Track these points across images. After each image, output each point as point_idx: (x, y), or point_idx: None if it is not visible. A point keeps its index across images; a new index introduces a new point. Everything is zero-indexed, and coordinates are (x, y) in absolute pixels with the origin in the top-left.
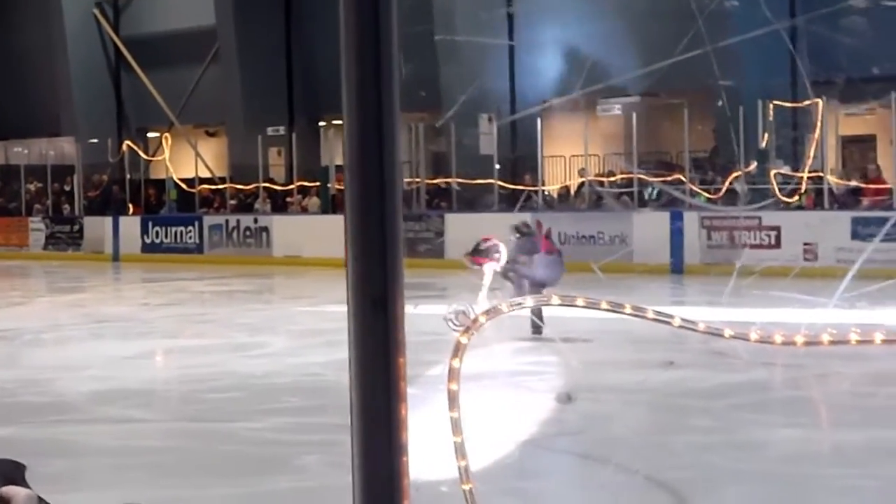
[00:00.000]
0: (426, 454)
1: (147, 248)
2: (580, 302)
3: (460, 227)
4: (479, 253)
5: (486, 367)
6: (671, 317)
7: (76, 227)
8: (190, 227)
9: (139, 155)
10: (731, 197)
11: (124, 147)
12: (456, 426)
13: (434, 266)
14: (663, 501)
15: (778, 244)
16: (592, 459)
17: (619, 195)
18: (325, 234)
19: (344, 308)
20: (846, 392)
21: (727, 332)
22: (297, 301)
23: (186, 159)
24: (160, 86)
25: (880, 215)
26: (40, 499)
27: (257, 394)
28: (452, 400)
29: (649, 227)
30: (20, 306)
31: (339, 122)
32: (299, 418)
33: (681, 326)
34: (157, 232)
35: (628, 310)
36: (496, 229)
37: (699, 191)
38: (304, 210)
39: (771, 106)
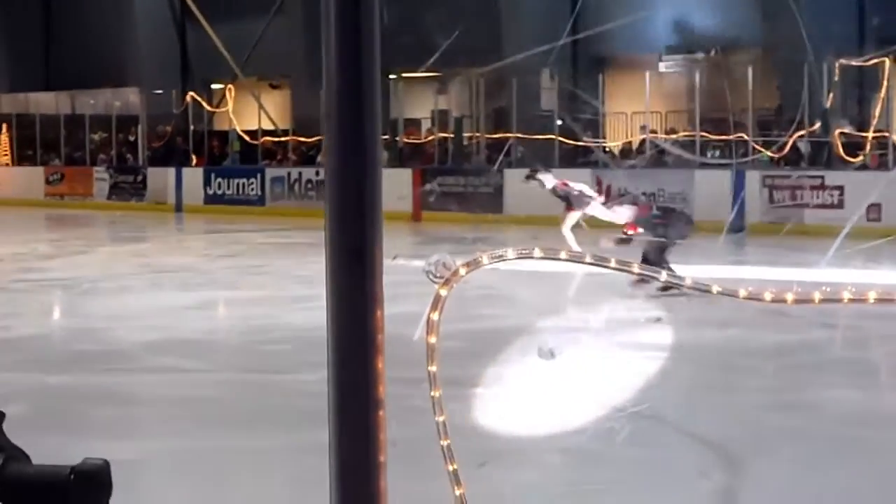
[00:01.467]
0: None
1: (209, 200)
2: (563, 255)
3: (520, 183)
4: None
5: (531, 322)
6: (658, 272)
7: (139, 178)
8: (252, 179)
9: (203, 106)
10: (794, 156)
11: (188, 98)
12: (434, 380)
13: (493, 221)
14: (718, 461)
15: (841, 204)
16: (647, 417)
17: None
18: (392, 187)
19: (407, 262)
20: None
21: (714, 289)
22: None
23: (250, 111)
24: (224, 37)
25: None
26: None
27: (311, 346)
28: (431, 354)
29: (710, 186)
30: (82, 255)
31: (410, 74)
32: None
33: (667, 281)
34: (219, 183)
35: (613, 264)
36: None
37: (762, 149)
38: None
39: (837, 64)
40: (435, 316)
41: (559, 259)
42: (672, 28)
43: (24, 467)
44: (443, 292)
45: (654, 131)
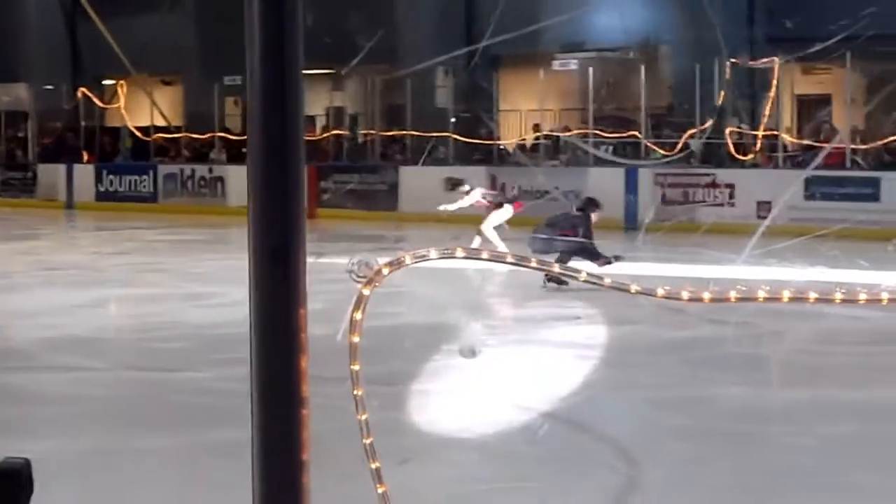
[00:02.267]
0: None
1: (101, 197)
2: (485, 255)
3: (414, 179)
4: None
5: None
6: (578, 272)
7: (30, 174)
8: (144, 176)
9: (94, 102)
10: (686, 154)
11: (79, 94)
12: (357, 379)
13: (388, 218)
14: (608, 457)
15: (732, 202)
16: (536, 412)
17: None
18: None
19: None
20: (795, 350)
21: (633, 288)
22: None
23: (142, 108)
24: (116, 33)
25: (833, 174)
26: None
27: (208, 344)
28: (353, 353)
29: (604, 183)
30: None
31: (304, 71)
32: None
33: (585, 281)
34: (111, 180)
35: (534, 264)
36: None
37: (654, 148)
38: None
39: (728, 64)
40: (358, 315)
41: (481, 259)
42: (566, 27)
43: None
44: (366, 292)
45: (551, 131)
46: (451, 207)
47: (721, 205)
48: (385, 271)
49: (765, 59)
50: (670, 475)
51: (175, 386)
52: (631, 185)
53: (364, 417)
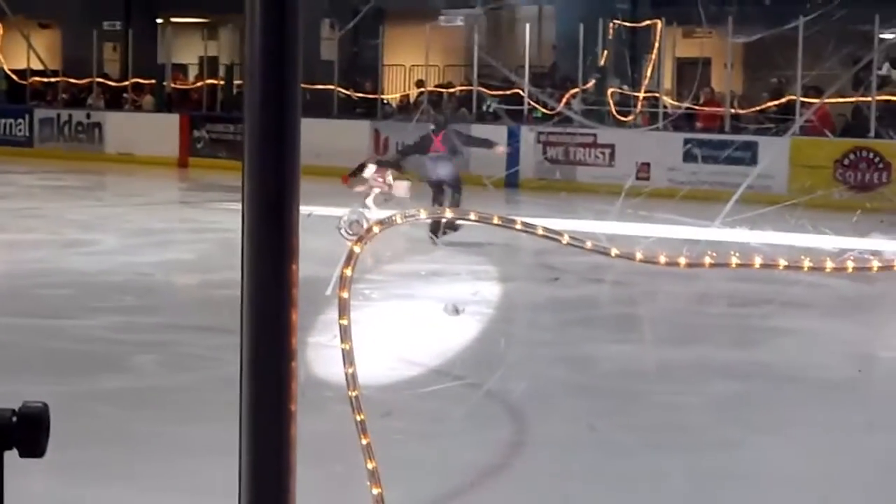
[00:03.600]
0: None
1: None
2: (472, 216)
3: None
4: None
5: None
6: (560, 234)
7: None
8: (20, 120)
9: None
10: (567, 113)
11: None
12: (345, 333)
13: None
14: (496, 413)
15: (612, 163)
16: (422, 367)
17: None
18: (159, 132)
19: (175, 209)
20: (674, 310)
21: (613, 252)
22: (128, 199)
23: (18, 50)
24: None
25: (712, 138)
26: None
27: (88, 292)
28: (342, 308)
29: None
30: None
31: (179, 20)
32: (131, 317)
33: (569, 244)
34: None
35: (518, 226)
36: (336, 135)
37: (536, 106)
38: (138, 108)
39: (611, 25)
40: (348, 272)
41: (468, 220)
42: None
43: None
44: (356, 249)
45: (436, 86)
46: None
47: (601, 165)
48: (376, 229)
49: (647, 21)
50: (554, 433)
51: (55, 333)
52: (513, 144)
53: (351, 371)
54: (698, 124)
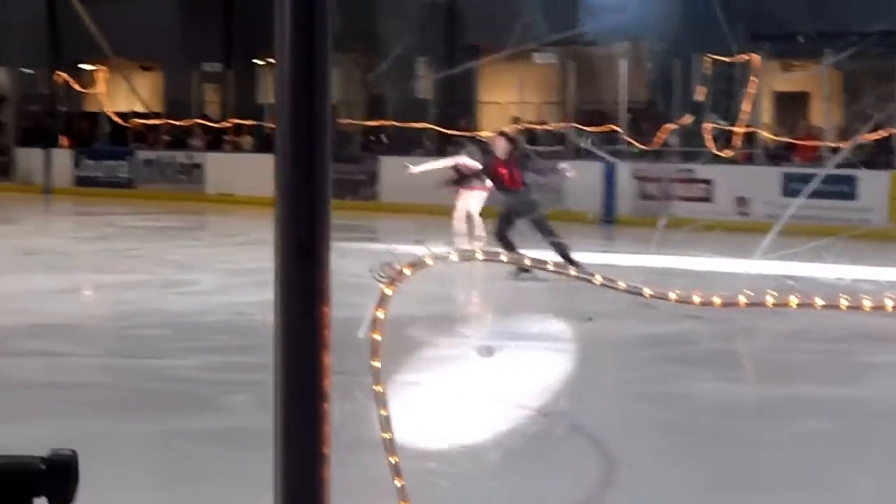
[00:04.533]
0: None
1: (79, 182)
2: (503, 258)
3: (394, 170)
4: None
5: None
6: (592, 275)
7: (7, 158)
8: (122, 162)
9: (73, 87)
10: (665, 149)
11: (58, 79)
12: (377, 375)
13: (367, 209)
14: (585, 450)
15: (710, 198)
16: (512, 406)
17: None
18: (258, 172)
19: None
20: (769, 347)
21: (646, 292)
22: (227, 239)
23: (121, 93)
24: (96, 18)
25: (811, 171)
26: None
27: (185, 331)
28: (375, 349)
29: (581, 176)
30: None
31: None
32: (226, 357)
33: (602, 285)
34: (89, 165)
35: (550, 266)
36: (432, 173)
37: (633, 142)
38: (238, 148)
39: (707, 60)
40: (380, 314)
41: (500, 261)
42: (548, 19)
43: None
44: (388, 292)
45: (530, 123)
46: (416, 170)
47: (699, 200)
48: (407, 272)
49: (744, 56)
50: (646, 470)
51: (153, 373)
52: (609, 180)
53: (385, 413)
54: (796, 158)
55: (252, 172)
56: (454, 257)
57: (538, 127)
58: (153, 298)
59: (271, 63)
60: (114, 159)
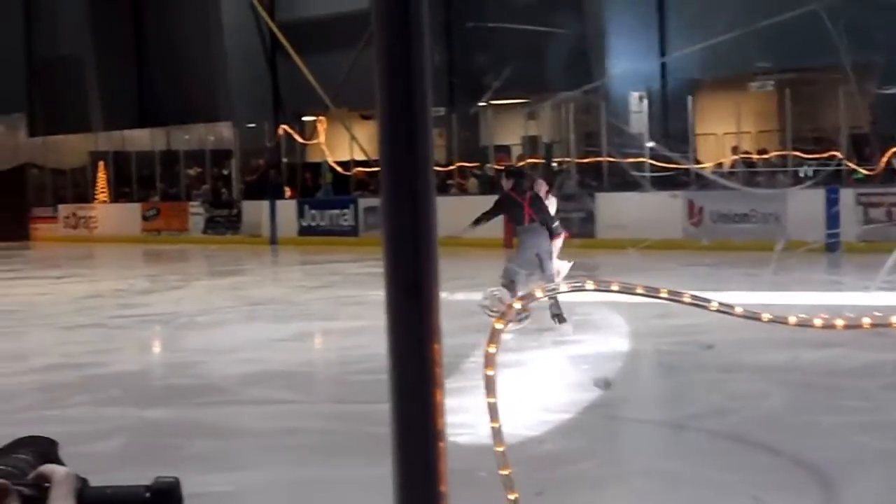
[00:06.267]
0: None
1: (303, 231)
2: (615, 287)
3: (611, 207)
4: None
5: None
6: (708, 301)
7: (234, 211)
8: (345, 210)
9: (295, 139)
10: (889, 173)
11: (280, 131)
12: (493, 412)
13: (585, 246)
14: (809, 482)
15: None
16: (737, 440)
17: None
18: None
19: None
20: None
21: (764, 317)
22: (453, 283)
23: (341, 142)
24: (315, 70)
25: None
26: (78, 477)
27: None
28: (490, 386)
29: (803, 205)
30: (178, 290)
31: (499, 101)
32: (451, 401)
33: (718, 310)
34: (313, 215)
35: (664, 294)
36: (647, 209)
37: (856, 168)
38: (464, 191)
39: None
40: (492, 349)
41: (612, 291)
42: (762, 47)
43: (101, 490)
44: (498, 326)
45: (746, 152)
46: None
47: None
48: (517, 305)
49: None
50: (873, 502)
51: (377, 418)
52: (831, 206)
53: (502, 450)
54: None
55: (476, 215)
56: (565, 289)
57: (757, 157)
58: (378, 344)
59: (493, 105)
60: (337, 208)
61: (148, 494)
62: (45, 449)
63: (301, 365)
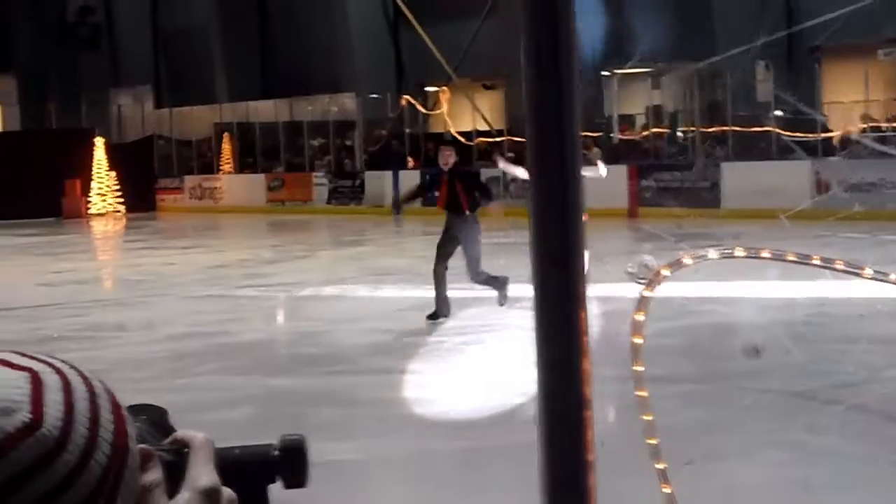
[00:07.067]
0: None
1: (426, 202)
2: (766, 254)
3: (736, 176)
4: None
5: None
6: (861, 268)
7: (357, 182)
8: None
9: (417, 109)
10: None
11: (403, 102)
12: (640, 381)
13: (710, 216)
14: None
15: None
16: (871, 412)
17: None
18: (609, 184)
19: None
20: None
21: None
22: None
23: (464, 113)
24: (438, 40)
25: None
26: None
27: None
28: (636, 354)
29: None
30: (303, 260)
31: (622, 71)
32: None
33: (872, 278)
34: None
35: (816, 261)
36: (772, 178)
37: None
38: (588, 161)
39: None
40: (640, 317)
41: (761, 257)
42: (890, 14)
43: (229, 450)
44: (647, 293)
45: (875, 120)
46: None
47: None
48: (665, 272)
49: None
50: None
51: (502, 389)
52: None
53: (649, 418)
54: None
55: (602, 184)
56: (713, 255)
57: (886, 124)
58: (495, 314)
59: (617, 73)
60: None
61: (277, 452)
62: (156, 417)
63: (424, 335)
